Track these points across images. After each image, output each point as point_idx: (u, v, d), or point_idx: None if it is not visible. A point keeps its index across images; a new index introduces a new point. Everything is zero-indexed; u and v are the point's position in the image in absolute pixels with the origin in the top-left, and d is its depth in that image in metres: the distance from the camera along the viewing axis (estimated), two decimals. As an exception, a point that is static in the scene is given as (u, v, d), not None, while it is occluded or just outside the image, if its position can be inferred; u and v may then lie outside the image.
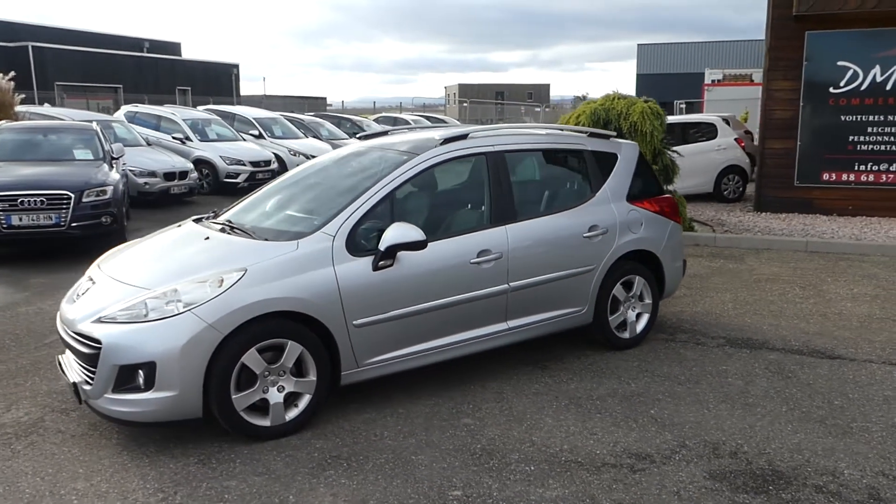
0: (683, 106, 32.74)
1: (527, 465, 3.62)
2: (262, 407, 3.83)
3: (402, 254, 4.10)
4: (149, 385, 3.58)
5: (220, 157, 15.35)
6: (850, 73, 9.83)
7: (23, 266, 8.14)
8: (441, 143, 4.54)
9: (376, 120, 26.01)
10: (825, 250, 8.50)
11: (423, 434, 3.96)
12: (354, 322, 3.99)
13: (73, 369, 3.93)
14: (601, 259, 5.01)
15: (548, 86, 73.82)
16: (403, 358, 4.25)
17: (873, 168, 9.96)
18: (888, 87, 9.69)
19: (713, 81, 31.27)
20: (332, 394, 4.10)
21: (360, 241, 4.08)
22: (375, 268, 4.03)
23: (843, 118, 9.96)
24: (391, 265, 4.08)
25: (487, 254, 4.45)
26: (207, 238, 4.24)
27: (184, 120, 16.13)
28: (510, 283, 4.57)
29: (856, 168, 10.03)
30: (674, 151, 9.27)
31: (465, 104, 43.58)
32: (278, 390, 3.86)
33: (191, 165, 13.93)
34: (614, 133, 5.78)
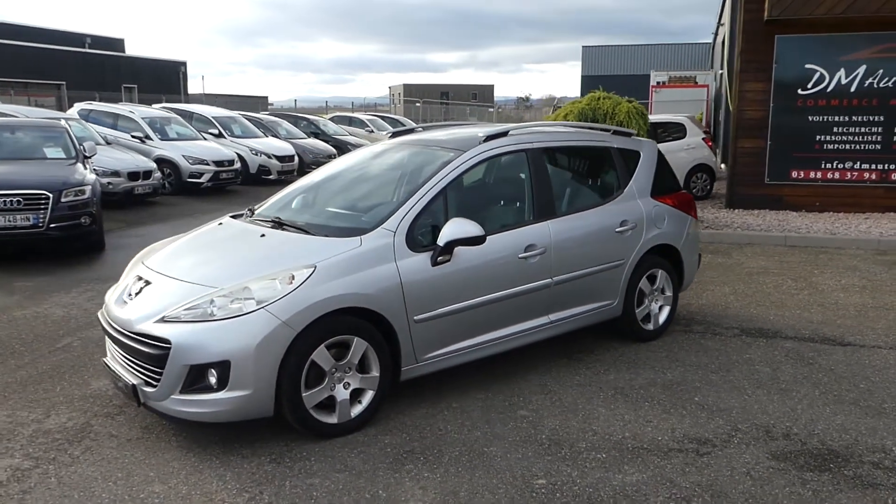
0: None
1: (597, 453, 3.71)
2: (328, 404, 3.81)
3: (456, 249, 4.14)
4: (222, 384, 3.52)
5: (183, 156, 14.96)
6: (817, 75, 10.32)
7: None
8: (484, 140, 4.60)
9: (332, 119, 25.85)
10: (804, 244, 8.91)
11: (485, 427, 4.01)
12: (415, 317, 4.01)
13: (127, 371, 3.83)
14: (630, 253, 5.16)
15: (492, 87, 74.60)
16: (458, 353, 4.29)
17: (839, 166, 10.48)
18: (852, 90, 10.21)
19: (659, 83, 32.18)
20: (391, 390, 4.11)
21: (418, 236, 4.10)
22: (434, 263, 4.06)
23: (810, 118, 10.45)
24: (448, 260, 4.11)
25: (533, 248, 4.53)
26: (263, 235, 4.18)
27: (143, 118, 15.64)
28: (553, 278, 4.66)
29: (822, 166, 10.54)
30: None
31: (417, 104, 43.56)
32: (344, 387, 3.85)
33: (154, 165, 13.54)
34: (635, 131, 5.93)
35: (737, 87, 10.71)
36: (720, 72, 27.61)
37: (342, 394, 3.84)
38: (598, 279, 4.98)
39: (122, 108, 16.32)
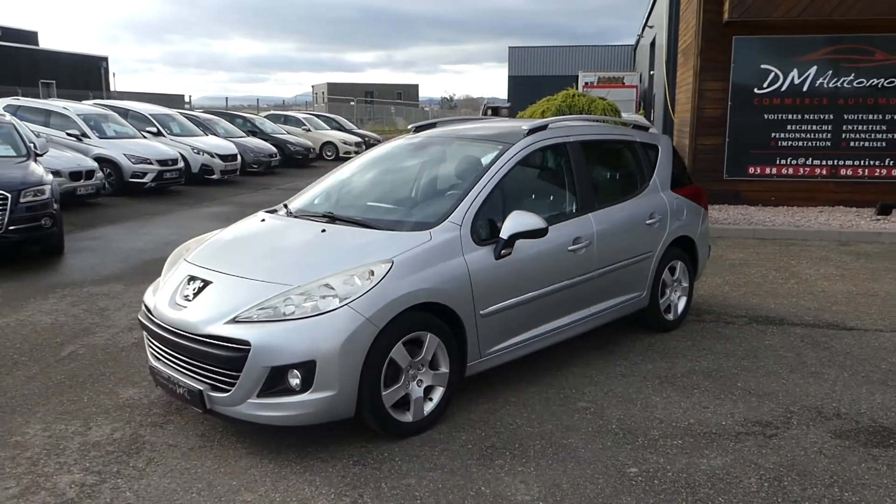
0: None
1: (672, 440, 3.77)
2: (402, 403, 3.72)
3: (516, 242, 4.12)
4: (306, 386, 3.38)
5: (125, 155, 14.28)
6: (772, 75, 10.82)
7: (-32, 275, 7.26)
8: (528, 133, 4.59)
9: (267, 117, 25.23)
10: (771, 237, 9.33)
11: (554, 419, 4.01)
12: (481, 311, 3.97)
13: (188, 376, 3.62)
14: (657, 245, 5.27)
15: (416, 86, 74.68)
16: (516, 346, 4.28)
17: (792, 162, 11.03)
18: (804, 89, 10.76)
19: (588, 84, 33.02)
20: (458, 386, 4.05)
21: (479, 229, 4.05)
22: (498, 256, 4.03)
23: (766, 117, 10.94)
24: (510, 254, 4.09)
25: (580, 241, 4.57)
26: (324, 230, 4.03)
27: (78, 115, 14.82)
28: (596, 270, 4.71)
29: (777, 162, 11.06)
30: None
31: (352, 103, 43.04)
32: (417, 385, 3.77)
33: (96, 164, 12.86)
34: (651, 124, 6.05)
35: (696, 86, 11.10)
36: (651, 73, 28.58)
37: (416, 392, 3.75)
38: (631, 271, 5.06)
39: (54, 105, 15.40)
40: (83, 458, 3.55)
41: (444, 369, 3.85)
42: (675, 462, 3.53)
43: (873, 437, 3.82)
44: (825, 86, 10.67)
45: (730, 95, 10.99)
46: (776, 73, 10.79)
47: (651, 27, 28.63)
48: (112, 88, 38.88)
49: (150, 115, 17.33)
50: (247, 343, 3.37)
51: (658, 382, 4.58)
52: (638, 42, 40.04)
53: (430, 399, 3.84)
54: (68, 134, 14.25)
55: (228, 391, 3.45)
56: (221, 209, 12.97)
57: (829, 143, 10.81)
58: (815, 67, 10.66)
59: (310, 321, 3.39)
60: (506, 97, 48.23)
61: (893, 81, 10.46)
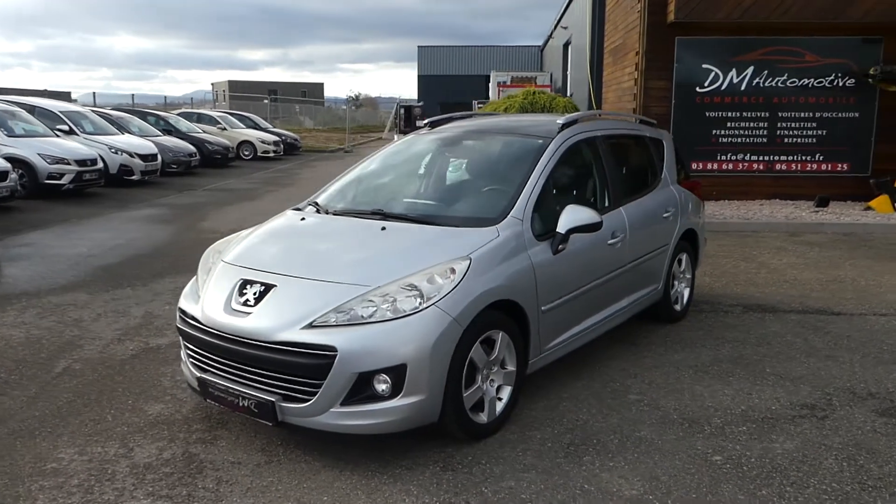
0: (481, 106, 34.62)
1: (736, 427, 3.84)
2: (477, 404, 3.60)
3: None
4: (396, 391, 3.21)
5: (39, 154, 13.28)
6: (712, 74, 11.31)
7: None
8: (563, 128, 4.56)
9: (179, 115, 24.09)
10: (724, 230, 9.73)
11: (615, 413, 4.00)
12: (543, 307, 3.91)
13: (254, 388, 3.36)
14: (671, 237, 5.38)
15: (321, 85, 73.41)
16: (566, 343, 4.25)
17: (732, 158, 11.56)
18: (742, 88, 11.31)
19: (501, 83, 33.51)
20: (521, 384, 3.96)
21: (535, 224, 3.99)
22: (556, 251, 3.97)
23: (707, 114, 11.43)
24: (566, 248, 4.04)
25: (616, 235, 4.58)
26: (384, 228, 3.84)
27: (-20, 112, 13.66)
28: (629, 263, 4.75)
29: (718, 158, 11.57)
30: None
31: (266, 101, 41.72)
32: (490, 384, 3.66)
33: (9, 165, 11.88)
34: (655, 121, 6.16)
35: (642, 84, 11.45)
36: (568, 73, 29.34)
37: (490, 392, 3.65)
38: (652, 264, 5.14)
39: (-47, 101, 14.13)
40: (141, 483, 3.24)
41: (511, 368, 3.76)
42: (752, 448, 3.59)
43: (914, 413, 4.03)
44: (761, 85, 11.25)
45: (673, 94, 11.40)
46: (716, 73, 11.28)
47: (565, 28, 29.34)
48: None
49: (61, 112, 16.18)
50: (332, 349, 3.16)
51: (692, 372, 4.66)
52: (546, 43, 41.03)
53: (500, 399, 3.74)
54: (-29, 133, 13.11)
55: (308, 401, 3.23)
56: (154, 211, 12.28)
57: (765, 140, 11.41)
58: (752, 67, 11.22)
59: (398, 323, 3.22)
60: (410, 96, 48.30)
61: (822, 82, 11.16)
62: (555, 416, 3.95)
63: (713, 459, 3.48)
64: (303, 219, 4.21)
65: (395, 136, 34.91)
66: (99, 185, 14.40)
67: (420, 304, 3.28)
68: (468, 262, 3.48)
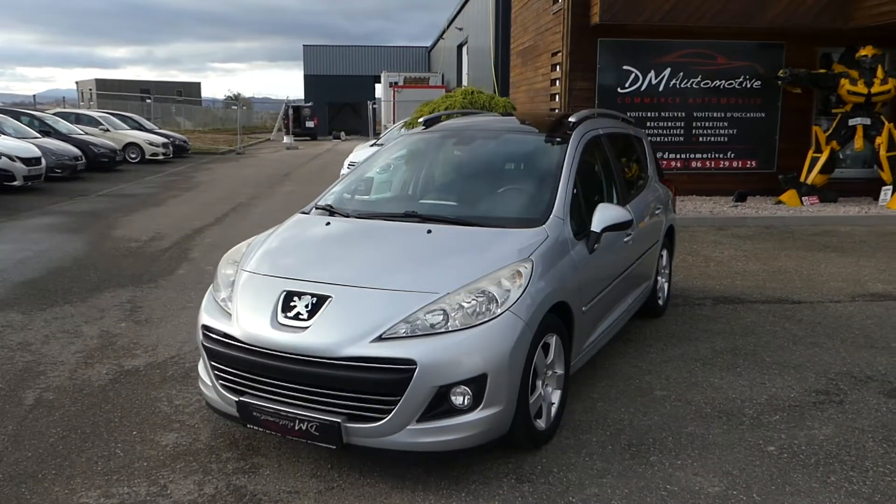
0: (376, 107, 34.25)
1: (769, 416, 3.94)
2: (538, 411, 3.48)
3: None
4: (476, 402, 3.03)
5: None
6: (632, 76, 11.72)
7: None
8: (574, 126, 4.52)
9: (55, 115, 22.23)
10: (657, 224, 10.09)
11: (652, 411, 4.00)
12: (583, 308, 3.85)
13: (314, 409, 3.08)
14: (660, 233, 5.48)
15: (198, 84, 70.24)
16: (595, 341, 4.21)
17: (652, 156, 12.05)
18: (661, 89, 11.80)
19: (394, 84, 33.36)
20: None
21: (572, 223, 3.92)
22: (591, 250, 3.92)
23: (628, 114, 11.79)
24: (599, 247, 4.00)
25: (629, 232, 4.59)
26: (430, 231, 3.62)
27: None
28: (637, 260, 4.78)
29: (639, 156, 12.02)
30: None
31: (147, 100, 39.26)
32: (546, 389, 3.55)
33: None
34: (633, 119, 6.23)
35: (566, 84, 11.69)
36: (467, 73, 29.57)
37: (548, 397, 3.55)
38: (647, 261, 5.20)
39: None
40: (196, 524, 2.89)
41: (560, 371, 3.67)
42: (795, 437, 3.69)
43: (915, 393, 4.30)
44: (678, 86, 11.78)
45: (597, 94, 11.72)
46: (636, 74, 11.70)
47: (460, 29, 29.58)
48: None
49: (-74, 111, 14.51)
50: (411, 362, 2.94)
51: (701, 365, 4.75)
52: (435, 44, 41.22)
53: (553, 403, 3.64)
54: None
55: (380, 420, 2.99)
56: (53, 220, 11.20)
57: (682, 139, 11.96)
58: (668, 69, 11.73)
59: (476, 331, 3.05)
60: (291, 95, 47.07)
61: (732, 83, 11.84)
62: (597, 417, 3.90)
63: (768, 450, 3.54)
64: (328, 223, 3.92)
65: (285, 138, 33.94)
66: (-20, 191, 13.05)
67: (494, 310, 3.12)
68: (531, 263, 3.36)
